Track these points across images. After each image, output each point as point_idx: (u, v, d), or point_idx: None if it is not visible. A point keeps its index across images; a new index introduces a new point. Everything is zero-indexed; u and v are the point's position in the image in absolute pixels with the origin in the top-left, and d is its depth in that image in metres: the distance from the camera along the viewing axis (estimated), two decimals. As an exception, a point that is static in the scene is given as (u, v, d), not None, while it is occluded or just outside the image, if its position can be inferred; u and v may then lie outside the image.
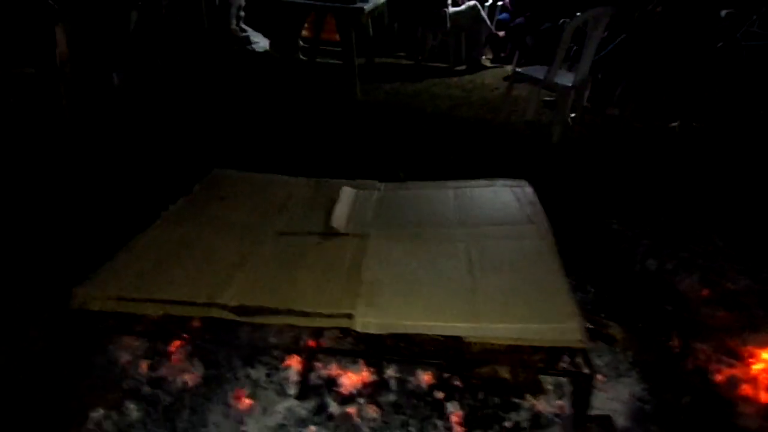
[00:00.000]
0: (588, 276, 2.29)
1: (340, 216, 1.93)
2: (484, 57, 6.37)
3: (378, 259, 1.70)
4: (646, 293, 2.22)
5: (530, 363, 1.44)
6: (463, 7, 5.94)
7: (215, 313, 1.48)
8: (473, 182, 2.27)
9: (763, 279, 2.36)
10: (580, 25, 3.48)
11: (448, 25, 5.82)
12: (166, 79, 4.54)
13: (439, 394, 1.62)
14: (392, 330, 1.43)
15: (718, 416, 1.64)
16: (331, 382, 1.65)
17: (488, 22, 6.06)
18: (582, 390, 1.49)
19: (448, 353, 1.48)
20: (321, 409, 1.57)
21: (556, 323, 1.38)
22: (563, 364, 1.54)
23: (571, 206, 2.93)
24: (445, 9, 5.80)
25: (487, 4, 6.37)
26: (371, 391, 1.64)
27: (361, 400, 1.61)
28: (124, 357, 1.71)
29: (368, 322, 1.43)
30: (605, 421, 1.51)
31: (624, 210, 2.89)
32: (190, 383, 1.65)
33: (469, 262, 1.66)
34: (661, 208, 2.94)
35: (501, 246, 1.73)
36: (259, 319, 1.46)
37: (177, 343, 1.75)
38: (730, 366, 1.81)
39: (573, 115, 4.33)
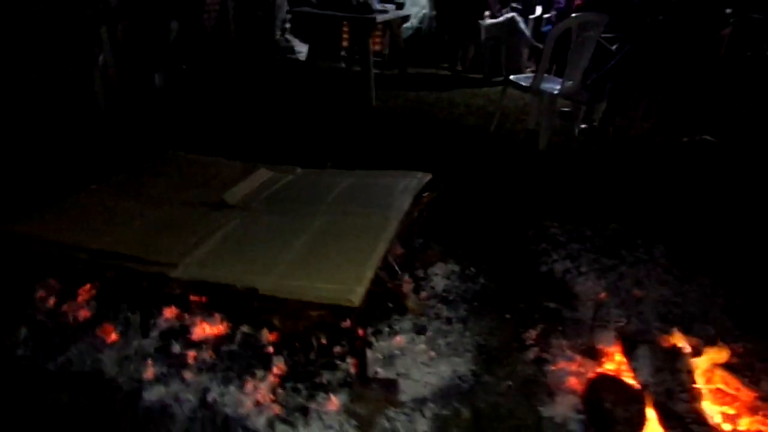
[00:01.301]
0: (488, 269, 2.35)
1: (236, 192, 2.17)
2: (528, 69, 6.34)
3: (239, 227, 1.92)
4: (534, 289, 2.23)
5: (306, 318, 1.58)
6: (500, 19, 5.98)
7: (82, 254, 1.78)
8: (383, 172, 2.41)
9: (682, 291, 2.27)
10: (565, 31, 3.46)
11: (483, 36, 5.88)
12: (207, 81, 5.08)
13: (271, 350, 1.80)
14: (202, 278, 1.65)
15: (529, 403, 1.66)
16: (185, 330, 1.89)
17: (527, 34, 6.04)
18: (356, 350, 1.61)
19: (239, 304, 1.66)
20: (164, 348, 1.81)
21: (338, 284, 1.52)
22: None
23: (520, 208, 2.96)
24: (480, 21, 5.89)
25: (532, 17, 6.35)
26: (216, 341, 1.85)
27: (203, 347, 1.83)
28: (39, 292, 2.07)
29: (185, 271, 1.66)
30: (390, 384, 1.60)
31: (571, 215, 2.86)
32: (80, 319, 1.97)
33: (312, 234, 1.83)
34: (613, 216, 2.87)
35: (347, 222, 1.88)
36: (110, 261, 1.74)
37: (86, 287, 2.09)
38: (571, 361, 1.80)
39: (583, 126, 4.26)
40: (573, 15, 3.53)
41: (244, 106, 4.69)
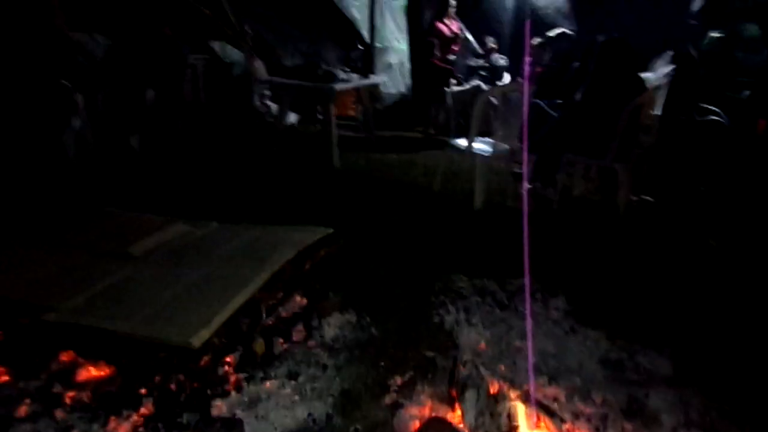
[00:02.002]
0: (383, 320, 2.46)
1: (143, 244, 2.36)
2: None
3: (128, 276, 2.09)
4: (419, 339, 2.33)
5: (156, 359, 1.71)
6: (466, 86, 6.32)
7: None
8: (286, 227, 2.59)
9: (565, 344, 2.35)
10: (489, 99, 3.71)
11: (449, 102, 6.20)
12: (182, 144, 5.41)
13: (143, 391, 1.93)
14: (72, 321, 1.81)
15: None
16: (71, 371, 2.03)
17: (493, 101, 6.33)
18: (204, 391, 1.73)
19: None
20: (45, 388, 1.95)
21: (184, 328, 1.67)
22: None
23: (435, 262, 3.10)
24: (446, 88, 6.23)
25: (500, 84, 6.68)
26: (96, 383, 1.98)
27: (84, 387, 1.96)
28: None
29: (58, 315, 1.83)
30: (233, 425, 1.71)
31: (484, 271, 2.97)
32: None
33: (188, 283, 2.00)
34: (524, 271, 2.97)
35: (222, 272, 2.04)
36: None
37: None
38: (423, 406, 1.89)
39: (530, 186, 4.42)
40: (498, 84, 3.79)
41: (211, 166, 4.97)
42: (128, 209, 3.44)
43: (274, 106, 6.67)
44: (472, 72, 6.93)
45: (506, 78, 6.84)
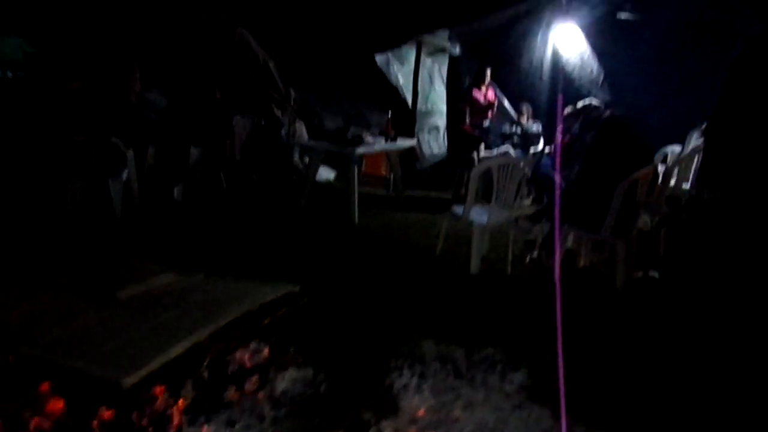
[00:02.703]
0: (338, 378, 2.58)
1: (130, 290, 2.65)
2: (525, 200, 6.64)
3: (103, 318, 2.37)
4: (364, 399, 2.42)
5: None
6: (494, 152, 6.46)
7: None
8: (255, 282, 2.81)
9: (508, 418, 2.37)
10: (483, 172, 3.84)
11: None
12: (222, 198, 5.87)
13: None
14: (39, 354, 2.07)
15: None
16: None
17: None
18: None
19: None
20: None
21: (120, 368, 1.88)
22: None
23: (410, 324, 3.19)
24: (475, 153, 6.39)
25: (532, 151, 6.76)
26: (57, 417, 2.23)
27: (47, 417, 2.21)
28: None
29: (33, 348, 2.11)
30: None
31: (458, 337, 3.03)
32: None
33: (148, 328, 2.24)
34: (498, 341, 3.00)
35: (178, 321, 2.27)
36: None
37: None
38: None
39: (536, 253, 4.44)
40: (495, 155, 3.91)
41: (239, 218, 5.36)
42: (148, 255, 3.85)
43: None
44: (506, 138, 7.07)
45: (540, 145, 6.92)
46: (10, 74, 7.34)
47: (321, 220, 5.41)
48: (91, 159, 4.82)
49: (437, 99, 8.61)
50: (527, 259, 4.38)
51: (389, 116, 6.08)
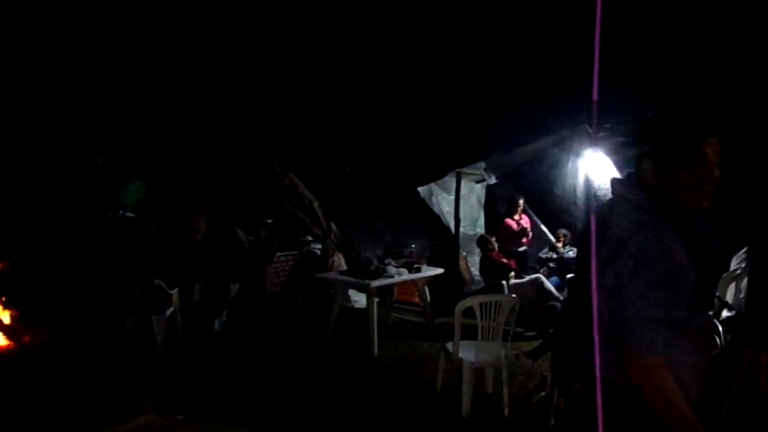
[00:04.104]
0: None
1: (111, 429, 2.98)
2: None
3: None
4: None
5: None
6: (525, 279, 6.42)
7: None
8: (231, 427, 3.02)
9: None
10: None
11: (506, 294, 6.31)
12: (260, 327, 6.30)
13: None
14: None
15: None
16: None
17: (555, 292, 6.30)
18: None
19: None
20: None
21: None
22: None
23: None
24: (504, 281, 6.39)
25: (569, 276, 6.63)
26: None
27: None
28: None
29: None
30: None
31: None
32: None
33: None
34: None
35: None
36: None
37: None
38: None
39: (542, 394, 4.27)
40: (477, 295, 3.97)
41: (265, 355, 5.67)
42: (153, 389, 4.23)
43: (353, 292, 7.43)
44: (543, 263, 7.04)
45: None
46: (122, 213, 8.72)
47: (340, 353, 5.59)
48: (139, 299, 5.50)
49: (484, 224, 8.88)
50: (534, 399, 4.21)
51: (412, 248, 6.36)
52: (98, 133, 8.20)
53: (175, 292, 5.73)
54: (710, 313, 2.04)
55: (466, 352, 3.97)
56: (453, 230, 8.08)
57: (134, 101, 8.21)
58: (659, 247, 1.51)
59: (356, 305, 7.34)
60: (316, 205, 7.48)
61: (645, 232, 1.54)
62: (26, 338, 5.85)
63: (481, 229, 8.74)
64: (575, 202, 7.27)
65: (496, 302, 3.95)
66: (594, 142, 6.69)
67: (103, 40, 7.53)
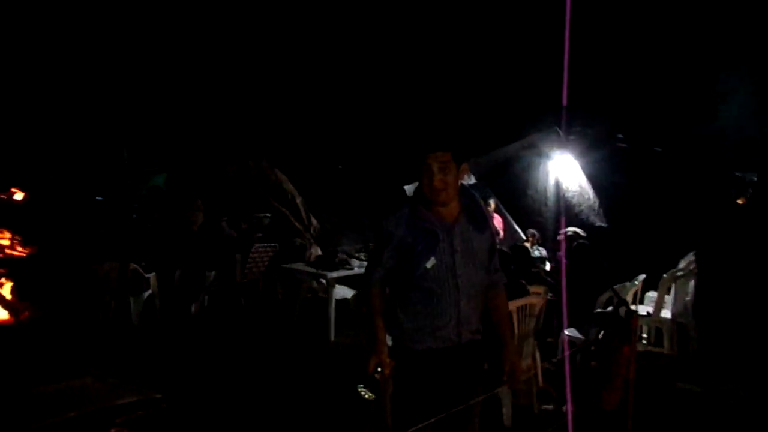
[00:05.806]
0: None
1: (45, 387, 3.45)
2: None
3: None
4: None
5: None
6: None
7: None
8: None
9: None
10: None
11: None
12: (236, 314, 6.76)
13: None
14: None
15: None
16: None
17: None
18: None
19: None
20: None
21: None
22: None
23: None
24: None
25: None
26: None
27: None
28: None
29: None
30: None
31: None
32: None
33: None
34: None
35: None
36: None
37: None
38: None
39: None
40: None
41: (229, 336, 6.09)
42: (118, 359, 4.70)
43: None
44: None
45: (547, 267, 6.97)
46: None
47: (300, 337, 5.98)
48: (118, 281, 6.02)
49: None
50: (536, 410, 4.21)
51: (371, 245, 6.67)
52: (124, 131, 8.97)
53: (152, 275, 6.23)
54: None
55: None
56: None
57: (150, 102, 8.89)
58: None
59: (337, 296, 7.70)
60: (299, 200, 7.89)
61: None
62: (24, 314, 6.48)
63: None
64: (546, 204, 7.45)
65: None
66: (563, 145, 6.88)
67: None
